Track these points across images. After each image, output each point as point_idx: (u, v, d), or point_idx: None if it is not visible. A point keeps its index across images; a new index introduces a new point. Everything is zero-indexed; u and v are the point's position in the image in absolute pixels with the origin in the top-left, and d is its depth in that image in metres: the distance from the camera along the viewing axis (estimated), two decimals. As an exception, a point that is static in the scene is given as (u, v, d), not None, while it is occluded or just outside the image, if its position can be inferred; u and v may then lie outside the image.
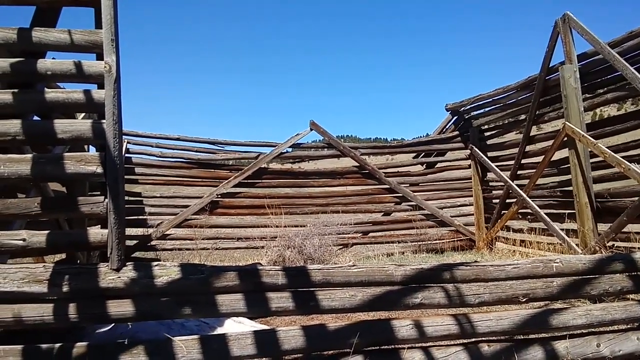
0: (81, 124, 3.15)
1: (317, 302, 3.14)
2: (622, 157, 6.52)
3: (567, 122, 7.24)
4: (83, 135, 3.11)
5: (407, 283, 3.31)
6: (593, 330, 3.55)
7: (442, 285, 3.33)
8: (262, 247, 8.40)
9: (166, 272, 3.05)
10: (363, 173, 10.50)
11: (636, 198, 6.23)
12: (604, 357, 3.37)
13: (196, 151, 10.03)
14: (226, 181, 9.67)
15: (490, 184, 10.60)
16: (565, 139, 7.31)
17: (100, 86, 3.19)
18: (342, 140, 12.24)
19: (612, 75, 7.09)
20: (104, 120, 3.09)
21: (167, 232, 9.25)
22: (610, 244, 6.68)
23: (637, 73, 6.20)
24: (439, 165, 11.25)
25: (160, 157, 9.78)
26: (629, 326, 3.67)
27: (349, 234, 9.91)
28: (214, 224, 9.59)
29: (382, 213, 10.67)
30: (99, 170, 3.07)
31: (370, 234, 10.47)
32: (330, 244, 7.80)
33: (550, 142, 7.87)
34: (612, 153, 6.49)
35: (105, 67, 3.12)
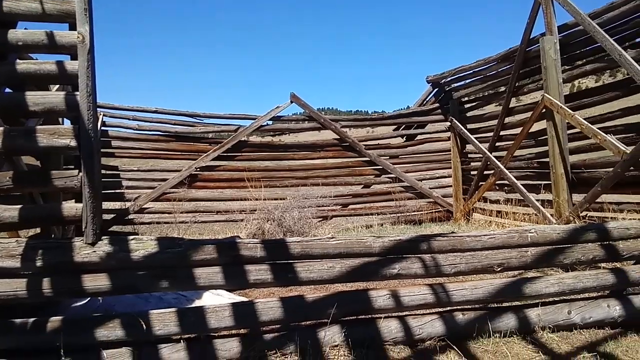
0: (54, 96, 3.07)
1: (295, 274, 3.16)
2: (599, 128, 6.60)
3: (545, 94, 7.29)
4: (56, 107, 3.02)
5: (385, 254, 3.35)
6: (565, 298, 3.65)
7: (419, 256, 3.38)
8: (242, 220, 8.40)
9: (143, 245, 3.02)
10: (343, 146, 10.48)
11: (611, 169, 6.33)
12: (574, 324, 3.47)
13: (174, 124, 9.89)
14: (205, 154, 9.57)
15: (469, 155, 10.68)
16: (544, 110, 7.37)
17: (74, 57, 3.09)
18: (323, 112, 12.19)
19: (592, 47, 7.13)
20: (77, 92, 3.01)
21: (145, 206, 9.17)
22: (584, 214, 6.82)
23: (616, 44, 6.23)
24: (419, 137, 11.28)
25: (137, 130, 9.61)
26: (599, 294, 3.78)
27: (328, 206, 9.94)
28: (193, 197, 9.53)
29: (362, 185, 10.73)
30: (73, 143, 3.00)
31: (350, 206, 10.53)
32: (309, 216, 7.82)
33: (529, 114, 7.93)
34: (589, 124, 6.57)
35: (78, 37, 3.02)
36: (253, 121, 9.94)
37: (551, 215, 7.23)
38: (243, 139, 9.96)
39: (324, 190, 9.82)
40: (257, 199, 8.54)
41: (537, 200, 7.74)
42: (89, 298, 3.56)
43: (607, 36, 6.36)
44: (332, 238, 3.32)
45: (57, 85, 5.29)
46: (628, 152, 5.87)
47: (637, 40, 6.58)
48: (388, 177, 10.56)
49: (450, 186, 10.68)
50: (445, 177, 10.85)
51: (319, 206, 9.31)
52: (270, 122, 10.18)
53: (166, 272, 3.03)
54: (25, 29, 3.22)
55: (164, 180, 9.35)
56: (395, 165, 10.57)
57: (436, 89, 11.10)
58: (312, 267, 3.19)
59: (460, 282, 3.57)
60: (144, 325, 2.89)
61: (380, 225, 9.84)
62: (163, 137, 9.74)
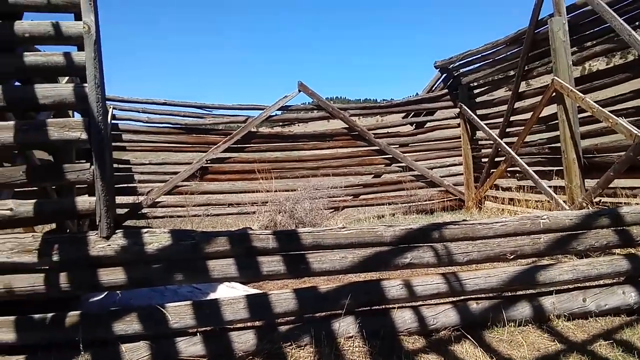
0: (63, 88, 3.08)
1: (308, 265, 3.17)
2: (610, 111, 6.50)
3: (555, 77, 7.18)
4: (65, 100, 3.04)
5: (396, 243, 3.35)
6: (579, 285, 3.63)
7: (431, 244, 3.37)
8: (254, 212, 8.41)
9: (156, 238, 3.05)
10: (353, 135, 10.44)
11: (623, 153, 6.25)
12: (590, 312, 3.46)
13: (184, 116, 9.89)
14: (215, 146, 9.59)
15: (480, 142, 10.60)
16: (554, 94, 7.27)
17: (80, 48, 3.10)
18: (332, 101, 12.13)
19: (601, 28, 6.99)
20: (85, 84, 3.02)
21: (158, 200, 9.21)
22: (597, 199, 6.74)
23: (625, 24, 6.11)
24: (428, 124, 11.19)
25: (147, 122, 9.63)
26: (614, 280, 3.76)
27: (339, 196, 9.93)
28: (205, 190, 9.55)
29: (373, 175, 10.68)
30: (84, 136, 3.02)
31: (361, 197, 10.50)
32: (321, 207, 7.81)
33: (539, 98, 7.81)
34: (600, 107, 6.46)
35: (84, 27, 3.02)
36: (262, 111, 9.91)
37: (564, 201, 7.16)
38: (252, 129, 9.95)
39: (335, 181, 9.80)
40: (268, 191, 8.55)
41: (550, 186, 7.66)
42: (105, 292, 3.60)
43: (616, 16, 6.23)
44: (344, 228, 3.32)
45: (67, 78, 5.31)
46: (640, 135, 5.79)
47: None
48: (398, 166, 10.50)
49: (461, 174, 10.61)
50: (455, 164, 10.77)
51: (330, 197, 9.30)
52: (279, 112, 10.15)
53: (180, 265, 3.06)
54: (31, 20, 3.23)
55: (176, 173, 9.38)
56: (406, 154, 10.50)
57: (445, 75, 10.96)
58: (325, 258, 3.20)
59: (474, 270, 3.56)
60: (161, 319, 2.93)
61: (391, 215, 9.82)
62: (173, 129, 9.75)
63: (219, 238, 3.09)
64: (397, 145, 10.62)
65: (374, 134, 10.43)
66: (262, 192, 8.73)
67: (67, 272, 2.94)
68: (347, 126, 10.39)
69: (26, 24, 3.09)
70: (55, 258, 2.92)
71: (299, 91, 10.04)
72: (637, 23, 6.46)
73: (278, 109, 10.05)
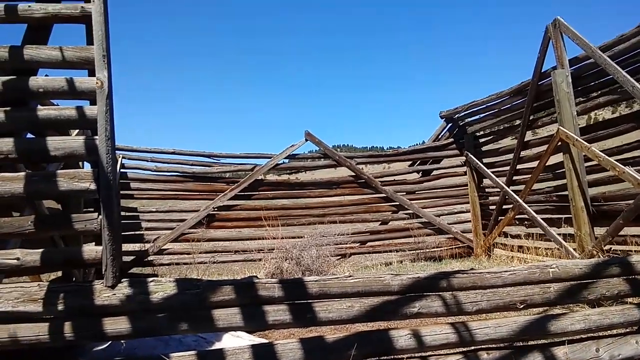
0: (73, 141, 3.15)
1: (314, 314, 3.12)
2: (617, 160, 6.54)
3: (560, 127, 7.26)
4: (76, 152, 3.11)
5: (404, 292, 3.30)
6: (592, 335, 3.54)
7: (439, 293, 3.32)
8: (260, 259, 8.37)
9: (162, 287, 3.03)
10: (359, 182, 10.50)
11: (631, 201, 6.22)
12: (603, 362, 3.35)
13: (192, 164, 10.05)
14: (222, 194, 9.66)
15: (487, 190, 10.60)
16: (560, 143, 7.33)
17: (93, 102, 3.19)
18: (338, 149, 12.27)
19: (604, 79, 7.12)
20: (96, 137, 3.09)
21: (164, 247, 9.22)
22: (607, 247, 6.66)
23: (628, 76, 6.23)
24: (434, 172, 11.26)
25: (155, 171, 9.79)
26: (627, 330, 3.66)
27: (346, 244, 9.87)
28: (211, 237, 9.56)
29: (380, 222, 10.66)
30: (92, 186, 3.06)
31: (368, 244, 10.45)
32: (328, 254, 7.76)
33: (545, 147, 7.88)
34: (606, 156, 6.50)
35: (97, 83, 3.12)
36: (269, 160, 10.04)
37: (574, 249, 7.08)
38: (259, 177, 10.05)
39: (342, 228, 9.77)
40: (274, 238, 8.53)
41: (559, 234, 7.60)
42: (109, 342, 3.55)
43: (619, 68, 6.37)
44: (350, 276, 3.29)
45: (77, 131, 5.44)
46: (648, 183, 5.78)
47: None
48: (405, 213, 10.49)
49: (469, 221, 10.56)
50: (463, 212, 10.75)
51: (337, 244, 9.25)
52: (286, 161, 10.29)
53: (185, 314, 3.03)
54: (46, 75, 3.34)
55: (183, 220, 9.43)
56: (413, 201, 10.52)
57: (450, 124, 11.14)
58: (331, 307, 3.16)
59: (484, 320, 3.49)
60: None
61: (399, 262, 9.73)
62: (181, 177, 9.88)
63: (224, 287, 3.07)
64: (404, 193, 10.66)
65: (380, 181, 10.49)
66: (268, 239, 8.71)
67: (72, 322, 2.92)
68: (353, 174, 10.47)
69: (41, 80, 3.20)
70: (60, 307, 2.90)
71: (306, 140, 10.20)
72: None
73: (285, 157, 10.20)
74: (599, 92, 7.42)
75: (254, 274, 7.66)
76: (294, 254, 7.29)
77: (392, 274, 3.36)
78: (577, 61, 7.40)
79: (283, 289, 3.14)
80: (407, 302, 3.25)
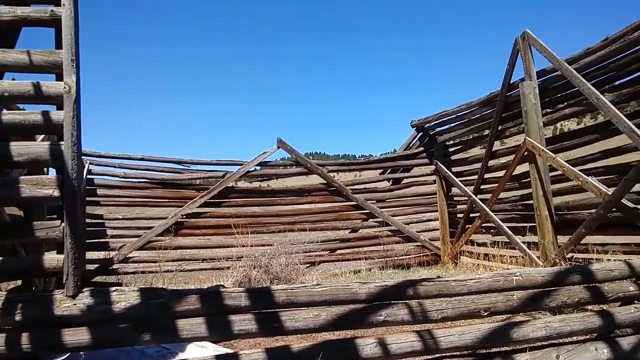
0: (38, 146, 3.08)
1: (280, 323, 3.11)
2: (580, 170, 6.74)
3: (527, 137, 7.45)
4: (40, 157, 3.04)
5: (371, 301, 3.32)
6: (553, 342, 3.61)
7: (405, 301, 3.35)
8: (228, 267, 8.28)
9: (125, 297, 2.97)
10: (330, 190, 10.53)
11: (593, 210, 6.42)
12: (563, 369, 3.43)
13: (161, 171, 9.88)
14: (191, 201, 9.54)
15: (455, 198, 10.78)
16: (526, 153, 7.52)
17: (60, 107, 3.12)
18: (311, 157, 12.30)
19: (571, 91, 7.32)
20: (62, 142, 3.02)
21: (130, 255, 9.03)
22: (569, 255, 6.85)
23: (593, 89, 6.43)
24: (405, 181, 11.39)
25: (123, 177, 9.58)
26: (587, 337, 3.75)
27: (316, 251, 9.88)
28: (179, 245, 9.41)
29: (350, 230, 10.71)
30: (56, 193, 3.00)
31: (338, 251, 10.47)
32: (297, 262, 7.74)
33: (512, 157, 8.07)
34: (570, 167, 6.70)
35: (64, 87, 3.06)
36: (240, 167, 9.98)
37: (537, 257, 7.25)
38: (230, 185, 9.97)
39: (312, 236, 9.77)
40: (244, 246, 8.47)
41: (523, 242, 7.77)
42: (68, 353, 3.45)
43: (584, 81, 6.56)
44: (318, 285, 3.29)
45: (42, 136, 5.31)
46: (610, 193, 5.97)
47: (614, 84, 6.79)
48: (375, 221, 10.56)
49: (438, 229, 10.71)
50: (432, 220, 10.90)
51: (307, 252, 9.25)
52: (258, 168, 10.25)
53: (149, 324, 2.97)
54: (12, 79, 3.27)
55: (150, 228, 9.26)
56: (382, 209, 10.61)
57: (421, 133, 11.30)
58: (298, 316, 3.15)
59: (448, 328, 3.53)
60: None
61: (368, 270, 9.78)
62: (149, 184, 9.71)
63: (189, 296, 3.03)
64: (375, 201, 10.75)
65: (351, 189, 10.54)
66: (237, 247, 8.64)
67: (30, 332, 2.83)
68: (325, 182, 10.50)
69: (6, 84, 3.12)
70: (17, 317, 2.81)
71: (278, 147, 10.19)
72: (606, 87, 6.76)
73: (257, 165, 10.15)
74: (565, 103, 7.64)
75: (221, 283, 7.58)
76: (262, 262, 7.25)
77: (360, 282, 3.37)
78: (544, 73, 7.61)
79: (250, 298, 3.11)
80: (374, 311, 3.27)
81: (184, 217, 9.52)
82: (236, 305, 3.08)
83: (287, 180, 11.02)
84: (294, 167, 10.70)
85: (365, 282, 3.40)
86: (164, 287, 3.81)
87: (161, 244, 9.10)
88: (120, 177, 9.54)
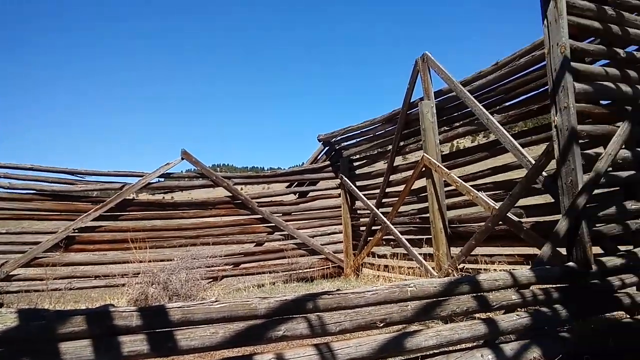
0: None
1: (175, 343, 2.98)
2: (472, 185, 7.21)
3: (425, 154, 7.85)
4: None
5: (271, 316, 3.29)
6: (444, 349, 3.78)
7: (305, 315, 3.36)
8: (124, 284, 7.84)
9: (2, 319, 2.70)
10: (236, 203, 10.39)
11: (482, 223, 6.87)
12: (452, 375, 3.61)
13: (52, 182, 9.19)
14: (85, 214, 8.96)
15: (359, 212, 11.08)
16: (424, 169, 7.92)
17: None
18: (218, 169, 12.11)
19: (465, 111, 7.80)
20: None
21: (13, 273, 8.28)
22: (461, 266, 7.28)
23: (484, 109, 6.90)
24: (311, 194, 11.53)
25: (8, 188, 8.81)
26: (474, 344, 3.97)
27: (219, 266, 9.67)
28: (70, 261, 8.79)
29: (254, 243, 10.62)
30: None
31: (242, 265, 10.34)
32: (198, 278, 7.49)
33: (411, 172, 8.45)
34: (463, 182, 7.15)
35: None
36: (140, 178, 9.56)
37: (432, 268, 7.63)
38: (129, 197, 9.51)
39: (215, 250, 9.55)
40: (141, 261, 8.05)
41: (420, 253, 8.15)
42: None
43: (476, 102, 7.03)
44: (217, 301, 3.20)
45: None
46: (497, 207, 6.41)
47: (504, 105, 7.28)
48: (281, 234, 10.58)
49: (342, 242, 10.94)
50: (336, 233, 11.11)
51: (209, 266, 9.00)
52: (161, 179, 9.86)
53: (29, 348, 2.71)
54: None
55: (37, 243, 8.55)
56: (288, 222, 10.65)
57: (327, 147, 11.54)
58: (194, 334, 3.04)
59: (346, 340, 3.58)
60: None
61: (272, 283, 9.73)
62: (38, 196, 8.99)
63: (74, 317, 2.82)
64: (280, 214, 10.76)
65: (257, 202, 10.49)
66: (135, 262, 8.22)
67: None
68: (230, 194, 10.34)
69: None
70: None
71: (182, 159, 9.93)
72: (496, 107, 7.26)
73: (159, 176, 9.78)
74: (460, 122, 8.12)
75: (113, 302, 7.16)
76: (161, 278, 6.93)
77: (260, 297, 3.33)
78: (441, 93, 8.08)
79: (142, 317, 2.96)
80: (274, 326, 3.24)
81: (77, 231, 8.92)
82: (127, 325, 2.91)
83: (192, 193, 10.75)
84: (200, 179, 10.42)
85: (265, 297, 3.36)
86: (47, 307, 3.51)
87: (49, 260, 8.43)
88: (5, 188, 8.76)
